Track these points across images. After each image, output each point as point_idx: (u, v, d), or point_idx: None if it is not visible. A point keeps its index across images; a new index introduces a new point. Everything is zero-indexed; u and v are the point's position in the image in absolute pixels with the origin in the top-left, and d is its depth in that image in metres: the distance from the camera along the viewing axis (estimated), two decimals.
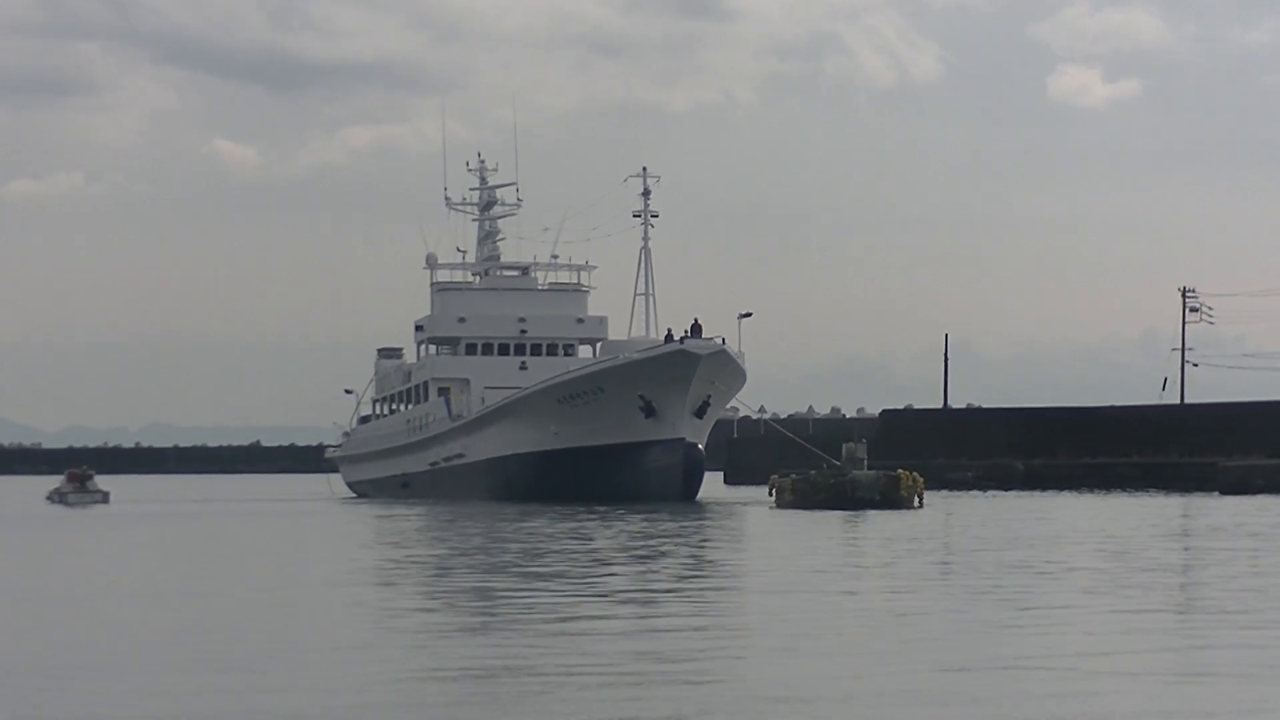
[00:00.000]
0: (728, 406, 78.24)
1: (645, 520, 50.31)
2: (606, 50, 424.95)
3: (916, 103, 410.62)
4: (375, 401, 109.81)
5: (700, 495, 73.24)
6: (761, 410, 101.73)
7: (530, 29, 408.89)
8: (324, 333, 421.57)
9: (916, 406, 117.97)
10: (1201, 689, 15.18)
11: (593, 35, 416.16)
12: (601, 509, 59.10)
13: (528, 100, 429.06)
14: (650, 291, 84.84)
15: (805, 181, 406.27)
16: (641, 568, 30.39)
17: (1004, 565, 30.37)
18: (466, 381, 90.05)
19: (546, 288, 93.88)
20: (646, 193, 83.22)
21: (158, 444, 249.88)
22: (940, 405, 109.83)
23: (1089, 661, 16.78)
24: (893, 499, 59.73)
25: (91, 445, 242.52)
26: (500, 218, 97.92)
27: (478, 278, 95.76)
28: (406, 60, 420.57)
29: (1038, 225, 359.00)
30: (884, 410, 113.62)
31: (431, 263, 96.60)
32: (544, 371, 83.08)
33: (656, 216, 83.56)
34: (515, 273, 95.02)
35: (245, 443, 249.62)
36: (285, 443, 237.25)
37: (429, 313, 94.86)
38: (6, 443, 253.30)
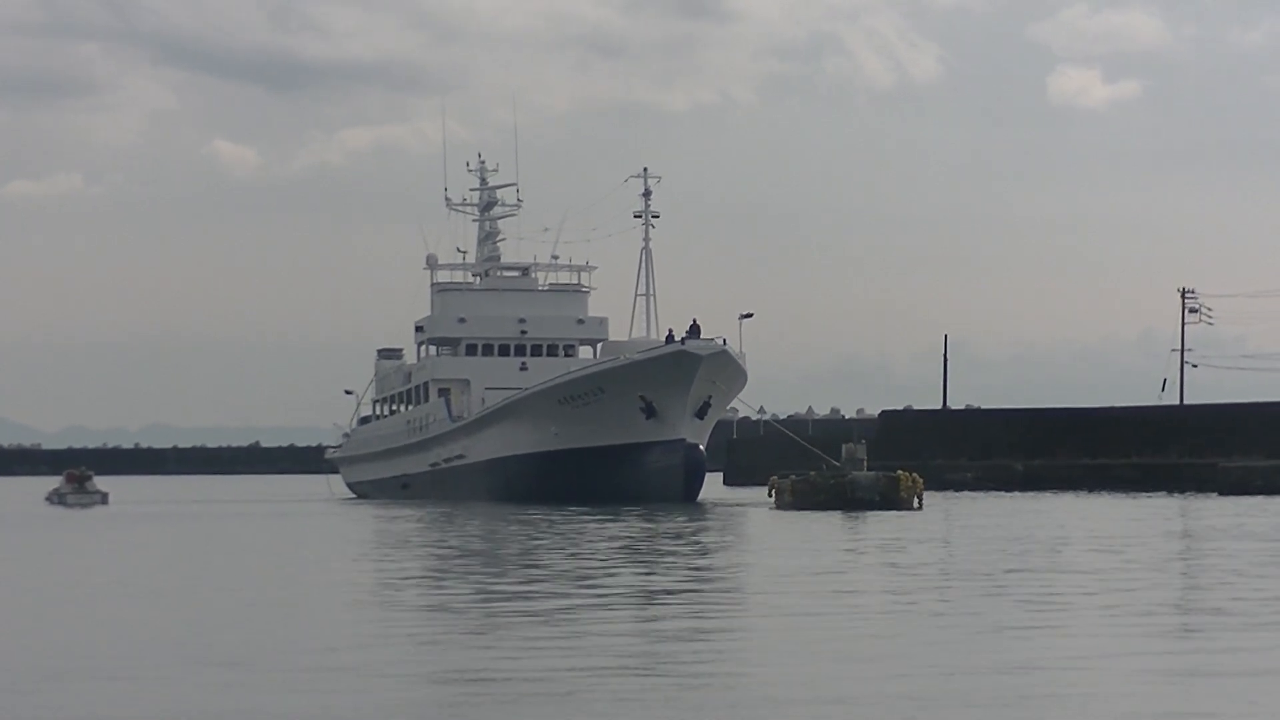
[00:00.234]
0: (728, 407, 78.23)
1: (645, 521, 50.32)
2: (606, 51, 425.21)
3: (916, 103, 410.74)
4: (375, 402, 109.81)
5: (700, 496, 73.26)
6: (761, 411, 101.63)
7: (530, 29, 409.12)
8: (324, 333, 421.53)
9: (916, 407, 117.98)
10: (1201, 689, 15.18)
11: (592, 36, 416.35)
12: (602, 510, 59.09)
13: (527, 101, 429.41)
14: (651, 292, 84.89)
15: (805, 182, 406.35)
16: (642, 569, 30.39)
17: (1004, 566, 30.37)
18: (467, 382, 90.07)
19: (547, 288, 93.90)
20: (647, 193, 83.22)
21: (157, 445, 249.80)
22: (940, 406, 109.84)
23: (1089, 662, 16.78)
24: (892, 500, 59.74)
25: (91, 446, 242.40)
26: (500, 218, 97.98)
27: (478, 278, 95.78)
28: (406, 61, 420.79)
29: (1038, 226, 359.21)
30: (883, 411, 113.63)
31: (432, 263, 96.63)
32: (544, 372, 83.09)
33: (657, 217, 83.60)
34: (515, 273, 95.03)
35: (245, 444, 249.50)
36: (285, 444, 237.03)
37: (429, 313, 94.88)
38: (6, 443, 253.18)
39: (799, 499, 60.95)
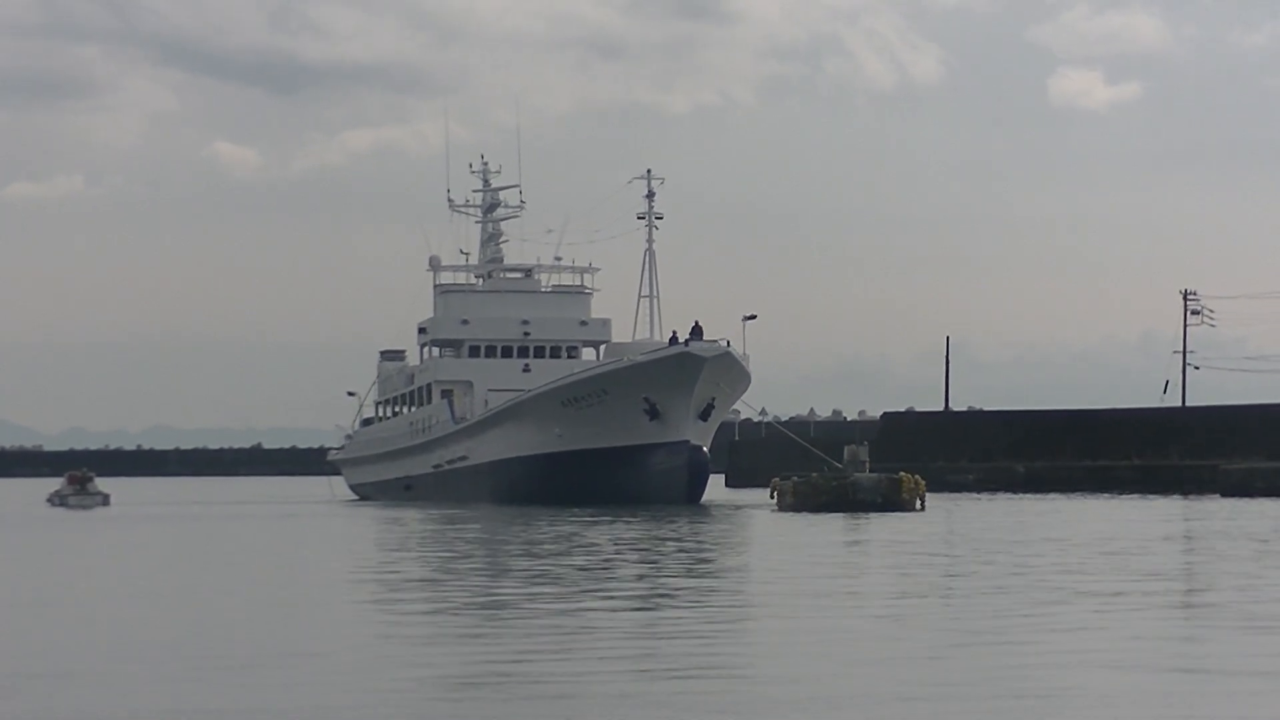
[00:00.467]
0: (730, 409, 78.20)
1: (649, 523, 50.32)
2: (606, 52, 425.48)
3: (917, 104, 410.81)
4: (378, 404, 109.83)
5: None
6: (763, 412, 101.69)
7: (530, 31, 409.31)
8: (326, 335, 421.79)
9: (918, 409, 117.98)
10: (1201, 689, 15.19)
11: (592, 37, 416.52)
12: (605, 512, 59.10)
13: (528, 102, 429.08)
14: (654, 294, 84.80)
15: (805, 182, 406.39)
16: (644, 570, 30.41)
17: (1005, 567, 30.36)
18: (470, 384, 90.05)
19: (550, 290, 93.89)
20: (651, 195, 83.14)
21: (158, 446, 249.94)
22: (941, 407, 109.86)
23: (1089, 663, 16.79)
24: (894, 501, 59.71)
25: (92, 447, 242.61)
26: (503, 220, 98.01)
27: (481, 280, 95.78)
28: (406, 62, 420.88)
29: (1039, 227, 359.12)
30: (885, 412, 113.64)
31: (434, 265, 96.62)
32: (548, 374, 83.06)
33: (661, 218, 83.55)
34: (518, 275, 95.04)
35: (247, 445, 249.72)
36: (287, 445, 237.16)
37: (432, 315, 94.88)
38: (7, 445, 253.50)
39: (801, 501, 60.93)
